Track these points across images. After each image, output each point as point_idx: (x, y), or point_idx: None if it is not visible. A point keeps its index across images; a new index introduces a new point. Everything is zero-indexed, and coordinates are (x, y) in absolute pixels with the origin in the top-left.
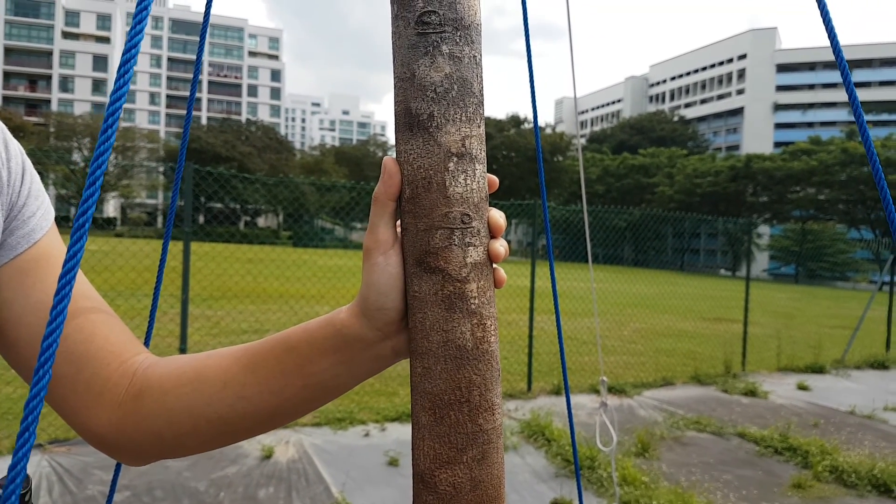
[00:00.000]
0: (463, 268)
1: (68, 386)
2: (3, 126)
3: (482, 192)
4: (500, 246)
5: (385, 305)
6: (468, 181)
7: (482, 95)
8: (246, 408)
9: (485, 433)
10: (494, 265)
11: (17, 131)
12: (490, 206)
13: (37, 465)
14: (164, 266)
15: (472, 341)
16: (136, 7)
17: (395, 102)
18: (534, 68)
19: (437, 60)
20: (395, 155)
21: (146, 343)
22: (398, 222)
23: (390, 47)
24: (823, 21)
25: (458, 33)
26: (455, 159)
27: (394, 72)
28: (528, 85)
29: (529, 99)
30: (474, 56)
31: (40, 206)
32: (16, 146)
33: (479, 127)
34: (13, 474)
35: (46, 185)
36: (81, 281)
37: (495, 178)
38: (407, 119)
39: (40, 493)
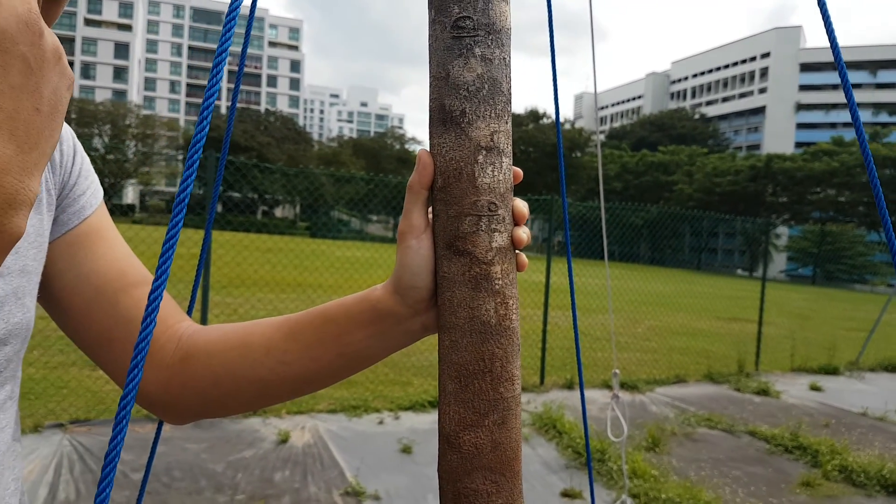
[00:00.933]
0: (489, 251)
1: (120, 348)
2: None
3: (508, 182)
4: (523, 232)
5: (417, 284)
6: (495, 173)
7: (510, 94)
8: (286, 372)
9: (505, 401)
10: (517, 250)
11: None
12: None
13: (58, 444)
14: (206, 248)
15: (496, 318)
16: (229, 8)
17: (430, 99)
18: (556, 66)
19: (470, 62)
20: (423, 147)
21: (189, 314)
22: (430, 209)
23: (409, 40)
24: (823, 19)
25: (490, 37)
26: (484, 152)
27: (430, 71)
28: (552, 83)
29: (548, 94)
30: (504, 58)
31: (90, 185)
32: (67, 130)
33: (506, 123)
34: (113, 444)
35: None
36: (131, 256)
37: (520, 171)
38: (441, 115)
39: (62, 472)
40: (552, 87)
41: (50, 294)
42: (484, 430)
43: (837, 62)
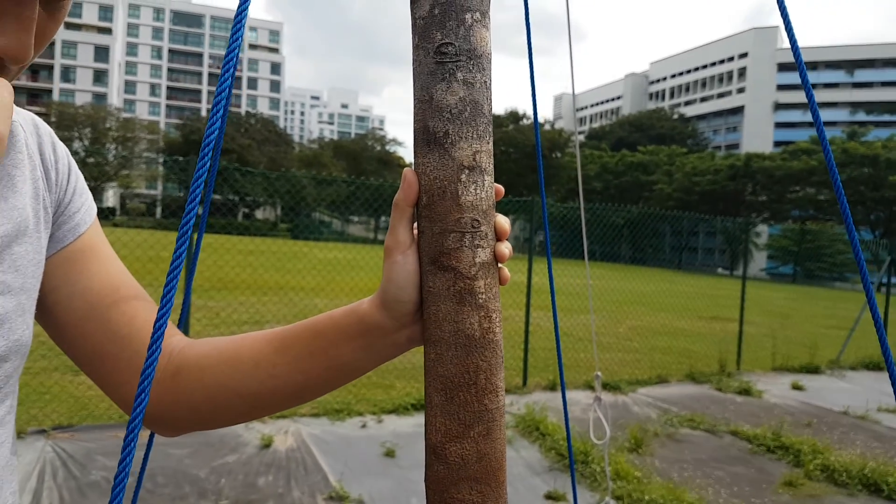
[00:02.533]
0: (472, 266)
1: (112, 363)
2: (52, 131)
3: (490, 200)
4: (505, 248)
5: (403, 298)
6: (478, 191)
7: (491, 115)
8: (276, 385)
9: (489, 412)
10: (500, 265)
11: None
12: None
13: (40, 450)
14: (196, 258)
15: (480, 331)
16: (235, 18)
17: (414, 121)
18: (534, 66)
19: (452, 86)
20: (408, 158)
21: (181, 328)
22: (415, 225)
23: (389, 40)
24: (783, 19)
25: (472, 62)
26: (467, 171)
27: (414, 94)
28: (529, 83)
29: (529, 95)
30: (485, 81)
31: (84, 202)
32: (63, 149)
33: (487, 143)
34: (124, 454)
35: None
36: (123, 272)
37: (501, 188)
38: (425, 136)
39: (45, 479)
40: (531, 93)
41: (44, 309)
42: (469, 441)
43: (798, 61)
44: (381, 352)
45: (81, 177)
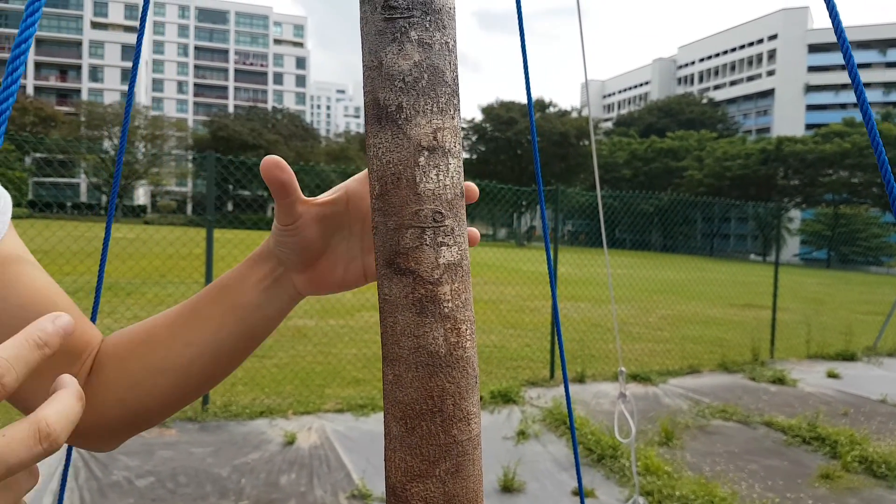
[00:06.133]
0: (435, 269)
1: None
2: None
3: (457, 188)
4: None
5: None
6: (440, 177)
7: (456, 84)
8: (193, 353)
9: (459, 444)
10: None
11: (49, 121)
12: (514, 191)
13: (62, 451)
14: (106, 249)
15: (446, 347)
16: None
17: (363, 93)
18: (557, 52)
19: (405, 47)
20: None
21: (92, 320)
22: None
23: None
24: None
25: (428, 18)
26: (426, 153)
27: (362, 60)
28: (523, 69)
29: (555, 82)
30: (446, 42)
31: None
32: None
33: (452, 118)
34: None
35: (77, 174)
36: (52, 281)
37: (474, 187)
38: (375, 111)
39: (66, 479)
40: (524, 79)
41: None
42: (435, 480)
43: (842, 44)
44: (282, 284)
45: None
